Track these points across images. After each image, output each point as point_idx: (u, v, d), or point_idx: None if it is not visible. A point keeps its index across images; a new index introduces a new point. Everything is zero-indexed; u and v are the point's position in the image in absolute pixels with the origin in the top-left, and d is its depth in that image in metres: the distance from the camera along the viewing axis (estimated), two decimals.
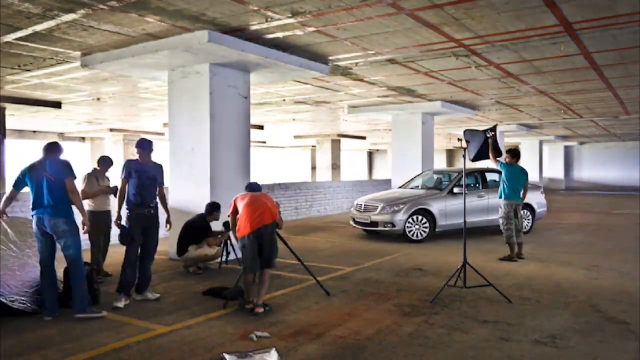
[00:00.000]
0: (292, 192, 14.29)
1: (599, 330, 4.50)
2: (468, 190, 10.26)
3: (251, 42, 6.82)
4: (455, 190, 9.93)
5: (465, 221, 6.30)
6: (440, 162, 35.30)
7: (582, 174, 31.17)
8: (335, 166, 24.60)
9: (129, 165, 5.48)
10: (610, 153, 29.88)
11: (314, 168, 29.82)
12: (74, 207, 4.96)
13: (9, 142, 14.97)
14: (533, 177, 27.00)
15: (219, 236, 7.27)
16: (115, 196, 5.73)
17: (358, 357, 3.95)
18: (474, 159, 6.59)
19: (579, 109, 14.60)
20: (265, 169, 34.18)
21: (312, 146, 30.86)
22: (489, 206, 10.28)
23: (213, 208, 7.19)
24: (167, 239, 7.85)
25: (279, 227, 5.37)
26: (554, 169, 31.25)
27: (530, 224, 10.80)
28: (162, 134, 20.97)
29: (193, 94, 7.68)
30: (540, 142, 27.80)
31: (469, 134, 6.58)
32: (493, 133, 6.50)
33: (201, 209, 7.62)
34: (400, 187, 11.74)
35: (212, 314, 4.96)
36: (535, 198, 11.03)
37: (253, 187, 5.39)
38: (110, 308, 5.14)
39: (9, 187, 5.21)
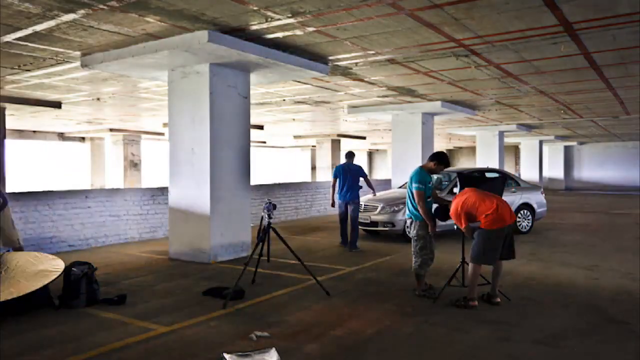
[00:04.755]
0: (292, 192, 14.29)
1: (599, 330, 4.51)
2: None
3: (251, 42, 6.82)
4: (455, 190, 9.90)
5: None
6: None
7: (582, 174, 31.16)
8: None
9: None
10: (610, 153, 29.88)
11: (314, 168, 29.80)
12: None
13: (9, 142, 14.97)
14: (533, 177, 27.04)
15: None
16: None
17: (358, 357, 3.95)
18: None
19: (579, 109, 14.60)
20: (265, 169, 34.17)
21: (312, 146, 30.85)
22: None
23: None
24: (166, 238, 7.84)
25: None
26: (554, 169, 31.23)
27: (530, 224, 10.80)
28: (162, 134, 20.97)
29: (193, 94, 7.68)
30: (540, 142, 27.78)
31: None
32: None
33: (202, 209, 7.60)
34: (400, 187, 11.73)
35: (212, 314, 4.96)
36: (535, 198, 11.05)
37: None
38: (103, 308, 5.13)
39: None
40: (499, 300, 5.33)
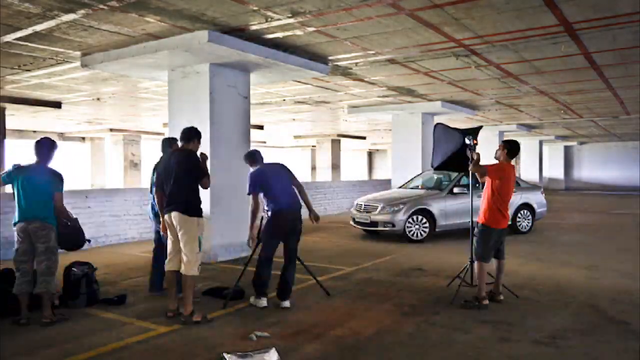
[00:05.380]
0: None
1: (599, 330, 4.50)
2: (468, 190, 10.25)
3: (251, 42, 6.82)
4: (455, 190, 9.92)
5: (472, 220, 6.21)
6: None
7: (582, 174, 31.17)
8: (335, 166, 24.58)
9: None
10: (610, 153, 29.88)
11: (314, 168, 29.79)
12: None
13: (9, 142, 14.96)
14: (533, 177, 27.04)
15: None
16: None
17: (358, 357, 3.95)
18: (439, 167, 6.06)
19: (579, 109, 14.60)
20: None
21: (312, 146, 30.84)
22: None
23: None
24: None
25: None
26: (554, 169, 31.25)
27: (530, 224, 10.80)
28: (162, 134, 20.95)
29: (193, 94, 7.68)
30: (540, 142, 27.79)
31: (441, 131, 5.84)
32: (476, 142, 5.34)
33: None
34: (400, 187, 11.74)
35: (212, 314, 4.95)
36: (535, 198, 11.04)
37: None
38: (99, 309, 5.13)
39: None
40: (502, 297, 5.40)
